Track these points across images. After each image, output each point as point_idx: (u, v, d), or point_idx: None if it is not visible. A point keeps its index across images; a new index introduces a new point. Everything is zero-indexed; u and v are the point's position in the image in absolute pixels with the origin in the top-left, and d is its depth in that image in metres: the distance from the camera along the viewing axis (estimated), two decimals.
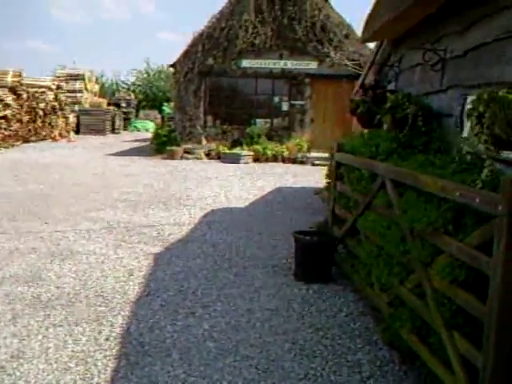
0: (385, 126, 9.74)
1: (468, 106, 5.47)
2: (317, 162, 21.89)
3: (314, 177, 18.10)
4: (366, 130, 9.18)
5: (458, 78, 6.71)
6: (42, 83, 33.17)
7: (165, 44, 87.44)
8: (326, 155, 22.12)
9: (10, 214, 11.16)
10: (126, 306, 6.35)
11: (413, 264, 5.05)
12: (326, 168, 19.74)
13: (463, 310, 4.17)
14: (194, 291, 6.89)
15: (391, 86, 9.93)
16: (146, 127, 46.32)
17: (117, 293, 6.76)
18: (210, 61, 24.38)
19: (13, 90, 28.45)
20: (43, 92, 31.99)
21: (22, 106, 28.98)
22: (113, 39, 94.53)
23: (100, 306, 6.34)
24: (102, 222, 10.65)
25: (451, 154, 6.31)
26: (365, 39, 11.10)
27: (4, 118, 26.88)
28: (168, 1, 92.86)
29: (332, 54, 23.80)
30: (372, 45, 24.39)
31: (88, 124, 38.26)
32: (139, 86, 56.58)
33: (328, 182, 13.08)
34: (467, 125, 5.46)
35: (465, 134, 6.09)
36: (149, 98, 55.06)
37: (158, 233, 9.86)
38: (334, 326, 5.98)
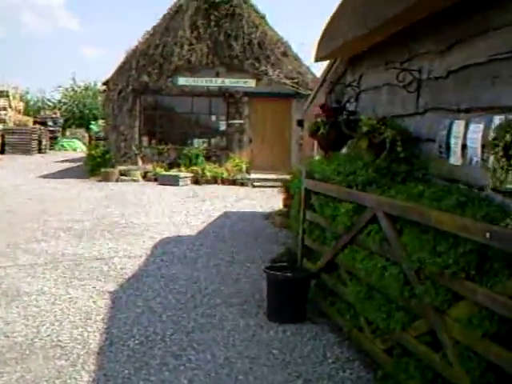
0: (344, 150, 9.36)
1: (478, 134, 5.00)
2: (257, 184, 21.47)
3: (258, 199, 17.70)
4: (330, 154, 8.70)
5: (438, 100, 6.27)
6: None
7: (89, 59, 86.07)
8: (267, 176, 21.90)
9: None
10: (89, 358, 5.65)
11: (420, 310, 4.56)
12: (267, 190, 19.73)
13: (495, 367, 3.69)
14: (162, 337, 6.23)
15: (351, 107, 9.47)
16: (74, 146, 45.03)
17: (76, 342, 6.04)
18: (145, 78, 23.66)
19: None
20: None
21: None
22: (35, 54, 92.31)
23: (59, 358, 5.61)
24: (46, 254, 9.85)
25: (434, 183, 5.88)
26: (319, 58, 10.58)
27: None
28: (90, 15, 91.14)
29: (270, 71, 23.37)
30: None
31: (13, 143, 36.81)
32: (65, 103, 55.10)
33: (286, 207, 12.66)
34: (477, 154, 4.99)
35: (454, 161, 5.63)
36: (75, 116, 53.62)
37: (109, 267, 9.13)
38: (324, 376, 5.44)
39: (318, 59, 10.59)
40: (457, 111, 5.74)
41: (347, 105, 9.47)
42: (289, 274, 7.02)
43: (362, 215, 5.75)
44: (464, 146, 5.27)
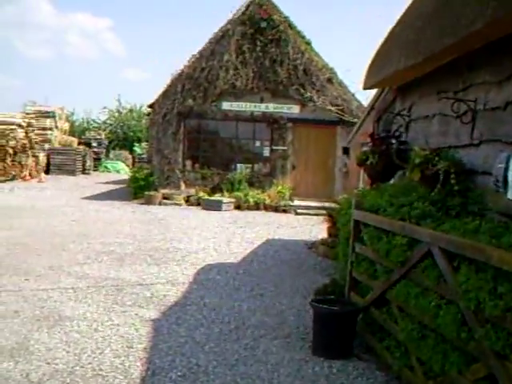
0: (393, 180, 9.15)
1: None
2: (300, 211, 21.25)
3: (301, 227, 17.48)
4: (382, 185, 8.49)
5: (494, 132, 6.06)
6: (11, 120, 32.12)
7: (133, 82, 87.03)
8: (310, 204, 21.69)
9: None
10: None
11: (479, 353, 4.33)
12: (310, 218, 19.51)
13: None
14: (205, 370, 6.05)
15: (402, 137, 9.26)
16: (117, 168, 45.35)
17: (117, 371, 5.90)
18: (190, 102, 23.67)
19: None
20: (13, 129, 30.99)
21: None
22: (81, 76, 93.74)
23: None
24: (88, 278, 9.77)
25: (491, 218, 5.65)
26: (368, 86, 10.41)
27: None
28: (134, 38, 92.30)
29: (315, 98, 23.20)
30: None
31: (58, 164, 37.23)
32: (110, 125, 55.65)
33: (330, 237, 12.46)
34: None
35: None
36: (119, 138, 54.15)
37: (152, 293, 8.99)
38: None
39: (366, 87, 10.44)
40: None
41: (396, 134, 9.28)
42: (336, 308, 6.80)
43: (416, 250, 5.53)
44: None
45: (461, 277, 4.63)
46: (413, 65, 7.36)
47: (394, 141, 9.07)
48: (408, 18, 8.30)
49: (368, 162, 8.95)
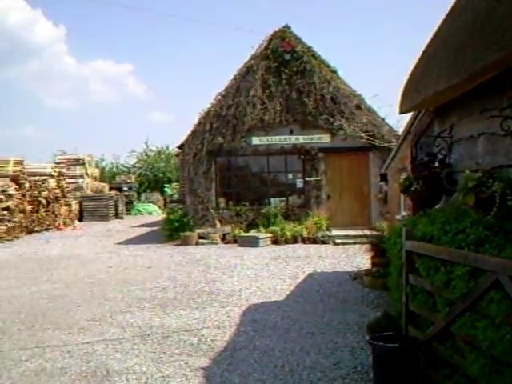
0: (439, 205, 8.82)
1: None
2: (338, 241, 20.88)
3: (342, 258, 17.13)
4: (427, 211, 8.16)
5: None
6: (43, 170, 32.46)
7: (158, 124, 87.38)
8: (347, 233, 21.33)
9: (28, 321, 10.09)
10: None
11: None
12: (349, 247, 19.16)
13: None
14: None
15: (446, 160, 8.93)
16: (149, 210, 45.50)
17: None
18: (219, 140, 23.61)
19: (15, 179, 27.69)
20: (45, 180, 31.23)
21: (24, 195, 28.19)
22: (106, 122, 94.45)
23: None
24: (132, 327, 9.52)
25: None
26: (404, 110, 10.07)
27: (7, 209, 26.03)
28: (155, 82, 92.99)
29: (345, 126, 22.99)
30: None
31: (91, 210, 37.41)
32: (139, 168, 55.92)
33: (374, 266, 12.13)
34: None
35: None
36: (149, 180, 54.37)
37: (199, 339, 8.70)
38: None
39: (402, 111, 10.10)
40: None
41: (440, 157, 8.97)
42: (397, 345, 6.45)
43: (481, 280, 5.20)
44: None
45: None
46: (454, 84, 7.07)
47: (437, 164, 8.77)
48: (444, 34, 8.01)
49: (412, 188, 8.64)
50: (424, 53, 8.83)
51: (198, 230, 22.47)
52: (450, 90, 7.45)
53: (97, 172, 45.23)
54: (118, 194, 42.22)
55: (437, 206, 8.65)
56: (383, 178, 15.58)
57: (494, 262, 5.01)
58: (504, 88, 6.68)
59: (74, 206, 35.95)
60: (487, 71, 6.34)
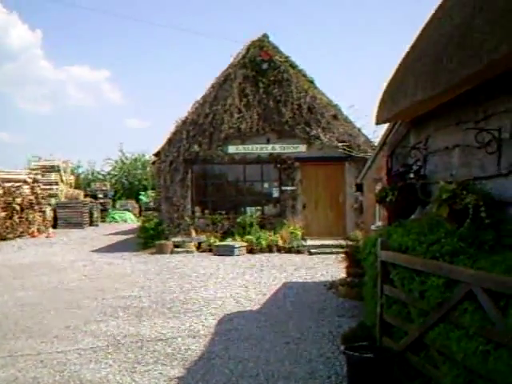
0: (413, 216, 8.87)
1: None
2: (313, 251, 20.92)
3: (317, 268, 17.17)
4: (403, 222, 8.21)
5: None
6: (17, 177, 32.14)
7: (134, 131, 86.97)
8: (323, 242, 21.37)
9: (1, 330, 9.95)
10: None
11: None
12: (324, 257, 19.20)
13: None
14: None
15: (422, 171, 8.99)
16: (124, 218, 45.26)
17: None
18: (196, 148, 23.55)
19: None
20: (19, 186, 30.93)
21: None
22: (82, 127, 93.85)
23: None
24: (107, 336, 9.45)
25: None
26: (381, 121, 10.11)
27: None
28: (133, 89, 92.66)
29: (321, 135, 23.07)
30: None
31: (66, 217, 37.05)
32: (115, 175, 55.67)
33: (349, 276, 12.17)
34: None
35: None
36: (125, 187, 54.15)
37: (174, 349, 8.66)
38: None
39: (379, 122, 10.15)
40: None
41: (415, 168, 9.03)
42: (371, 355, 6.47)
43: (455, 291, 5.23)
44: None
45: (510, 318, 4.33)
46: (431, 96, 7.12)
47: (412, 175, 8.83)
48: (421, 46, 8.07)
49: (388, 199, 8.69)
50: (401, 64, 8.89)
51: (174, 239, 22.38)
52: (426, 102, 7.51)
53: (72, 179, 44.82)
54: (93, 201, 41.94)
55: (412, 217, 8.69)
56: (359, 188, 15.66)
57: (467, 274, 5.06)
58: (479, 101, 6.75)
59: (49, 212, 35.58)
60: (464, 84, 6.40)
